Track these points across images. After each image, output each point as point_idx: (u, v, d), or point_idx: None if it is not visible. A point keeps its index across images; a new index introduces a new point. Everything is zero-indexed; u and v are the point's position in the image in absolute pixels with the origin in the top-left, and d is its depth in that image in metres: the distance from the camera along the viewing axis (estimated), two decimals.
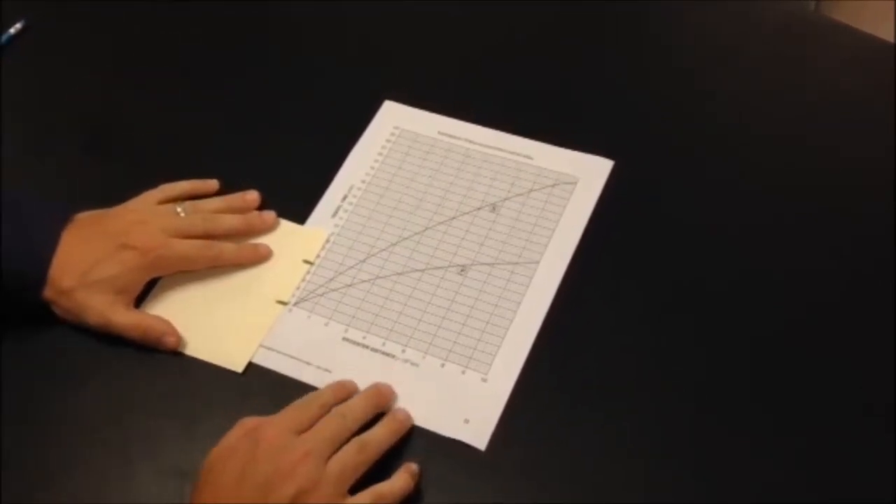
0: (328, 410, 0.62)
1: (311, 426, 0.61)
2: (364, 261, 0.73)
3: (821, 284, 0.69)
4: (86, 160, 0.81)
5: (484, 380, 0.66)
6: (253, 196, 0.76)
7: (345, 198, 0.77)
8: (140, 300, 0.71)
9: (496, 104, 0.82)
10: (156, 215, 0.72)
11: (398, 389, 0.65)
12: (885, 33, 0.86)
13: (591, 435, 0.63)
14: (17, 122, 0.84)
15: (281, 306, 0.71)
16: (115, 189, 0.74)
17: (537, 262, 0.71)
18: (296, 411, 0.62)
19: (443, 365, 0.67)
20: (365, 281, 0.72)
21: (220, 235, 0.73)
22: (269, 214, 0.75)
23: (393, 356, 0.67)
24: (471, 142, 0.79)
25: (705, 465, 0.61)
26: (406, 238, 0.74)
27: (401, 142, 0.80)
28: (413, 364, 0.67)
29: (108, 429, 0.66)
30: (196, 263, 0.72)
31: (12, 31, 0.90)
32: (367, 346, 0.68)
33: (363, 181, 0.78)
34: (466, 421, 0.64)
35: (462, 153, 0.79)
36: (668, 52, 0.86)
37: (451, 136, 0.80)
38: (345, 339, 0.69)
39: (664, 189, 0.76)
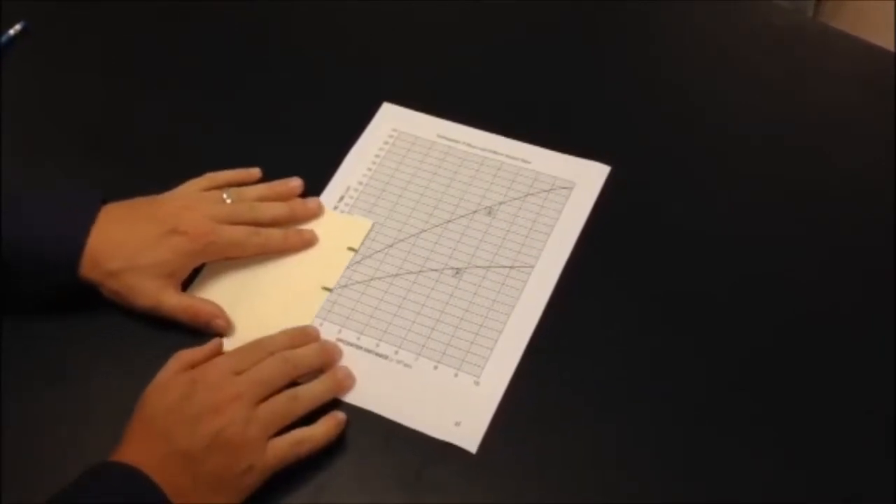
0: None
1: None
2: (359, 262, 0.73)
3: (818, 290, 0.69)
4: (86, 162, 0.81)
5: (476, 383, 0.66)
6: (297, 182, 0.76)
7: (341, 199, 0.77)
8: (185, 287, 0.71)
9: (494, 108, 0.82)
10: (203, 202, 0.72)
11: (391, 391, 0.66)
12: (885, 41, 0.86)
13: (583, 439, 0.63)
14: (17, 123, 0.84)
15: (326, 293, 0.71)
16: (115, 191, 0.74)
17: (532, 267, 0.71)
18: (241, 353, 0.64)
19: (436, 367, 0.67)
20: (360, 282, 0.72)
21: (266, 223, 0.73)
22: (314, 201, 0.76)
23: (386, 357, 0.68)
24: (468, 145, 0.79)
25: (699, 470, 0.61)
26: (402, 240, 0.74)
27: (398, 144, 0.80)
28: (406, 365, 0.67)
29: (114, 428, 0.65)
30: (245, 249, 0.72)
31: (12, 32, 0.91)
32: (360, 347, 0.68)
33: (360, 183, 0.78)
34: (458, 423, 0.64)
35: (459, 156, 0.79)
36: (666, 57, 0.87)
37: (448, 139, 0.80)
38: (339, 340, 0.69)
39: (660, 195, 0.76)
